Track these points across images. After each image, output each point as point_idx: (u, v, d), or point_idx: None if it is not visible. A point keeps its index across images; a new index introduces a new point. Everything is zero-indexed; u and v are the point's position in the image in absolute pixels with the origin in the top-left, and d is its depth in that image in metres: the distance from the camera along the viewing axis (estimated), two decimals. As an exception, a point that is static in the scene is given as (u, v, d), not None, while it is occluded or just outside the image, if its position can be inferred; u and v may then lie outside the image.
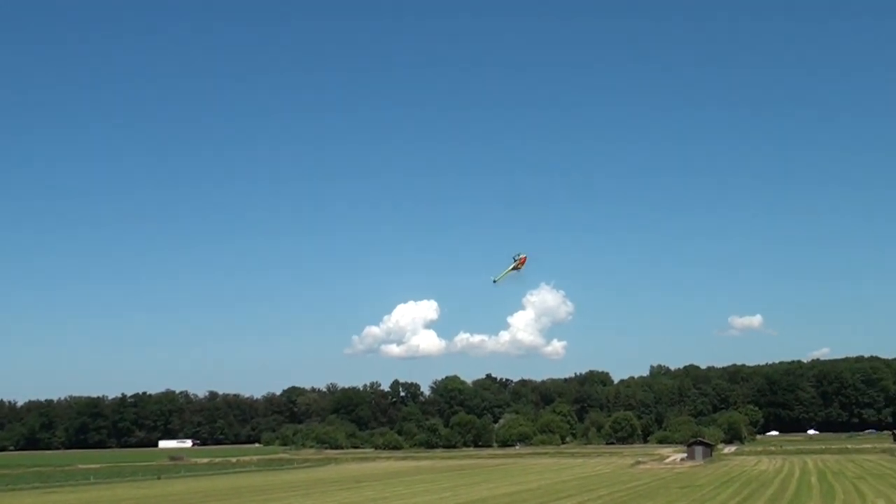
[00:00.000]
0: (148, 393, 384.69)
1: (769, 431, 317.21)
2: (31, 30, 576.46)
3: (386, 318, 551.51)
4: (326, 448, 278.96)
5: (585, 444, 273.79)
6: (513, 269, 62.73)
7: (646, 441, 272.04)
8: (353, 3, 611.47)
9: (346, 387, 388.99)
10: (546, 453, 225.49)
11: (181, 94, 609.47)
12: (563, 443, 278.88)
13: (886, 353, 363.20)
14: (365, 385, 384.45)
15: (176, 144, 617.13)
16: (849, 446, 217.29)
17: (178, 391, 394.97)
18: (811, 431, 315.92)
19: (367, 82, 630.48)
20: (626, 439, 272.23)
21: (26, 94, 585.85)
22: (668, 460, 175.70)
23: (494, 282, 61.54)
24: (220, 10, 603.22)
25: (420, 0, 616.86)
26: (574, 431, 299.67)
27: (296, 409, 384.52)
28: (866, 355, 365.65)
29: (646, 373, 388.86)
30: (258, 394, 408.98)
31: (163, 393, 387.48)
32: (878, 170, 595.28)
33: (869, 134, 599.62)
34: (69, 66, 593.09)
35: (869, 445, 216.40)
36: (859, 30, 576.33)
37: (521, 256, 62.58)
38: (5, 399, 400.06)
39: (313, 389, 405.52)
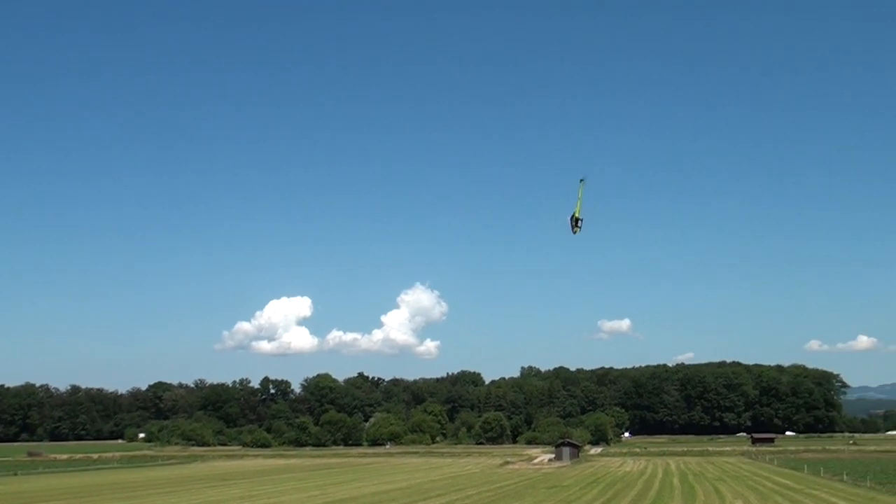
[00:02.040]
0: (5, 386, 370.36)
1: (626, 433, 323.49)
2: None
3: (258, 314, 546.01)
4: (193, 445, 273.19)
5: (455, 443, 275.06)
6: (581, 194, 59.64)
7: (515, 441, 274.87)
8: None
9: (215, 383, 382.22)
10: (416, 453, 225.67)
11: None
12: (434, 442, 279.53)
13: (747, 359, 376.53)
14: (234, 381, 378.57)
15: (42, 138, 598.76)
16: (709, 449, 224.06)
17: (38, 384, 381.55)
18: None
19: (239, 82, 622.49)
20: (495, 439, 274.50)
21: None
22: (536, 461, 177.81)
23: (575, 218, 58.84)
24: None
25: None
26: (445, 431, 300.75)
27: (162, 405, 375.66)
28: (728, 360, 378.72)
29: (517, 374, 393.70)
30: (123, 388, 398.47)
31: (22, 386, 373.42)
32: (739, 180, 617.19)
33: (721, 148, 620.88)
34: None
35: (728, 448, 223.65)
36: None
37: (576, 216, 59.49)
38: None
39: (181, 385, 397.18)
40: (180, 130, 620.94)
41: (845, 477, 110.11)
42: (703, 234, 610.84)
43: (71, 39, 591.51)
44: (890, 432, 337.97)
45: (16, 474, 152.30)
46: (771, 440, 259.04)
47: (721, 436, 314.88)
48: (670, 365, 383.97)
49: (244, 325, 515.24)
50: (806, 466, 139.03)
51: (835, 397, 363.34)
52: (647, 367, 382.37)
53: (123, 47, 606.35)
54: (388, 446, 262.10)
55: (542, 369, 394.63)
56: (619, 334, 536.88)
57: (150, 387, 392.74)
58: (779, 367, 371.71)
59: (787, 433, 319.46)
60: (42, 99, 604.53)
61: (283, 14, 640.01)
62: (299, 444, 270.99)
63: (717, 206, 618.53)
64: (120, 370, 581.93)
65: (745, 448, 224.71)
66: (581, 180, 59.74)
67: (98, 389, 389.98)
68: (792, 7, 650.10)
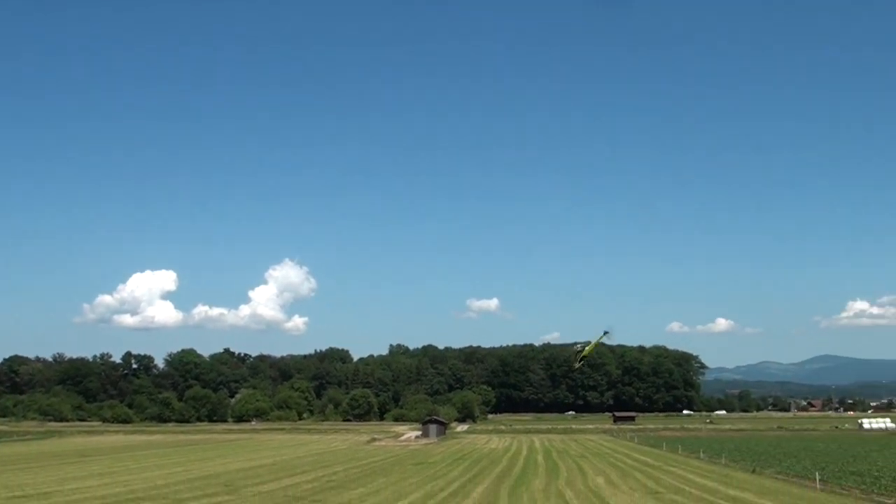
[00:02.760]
0: None
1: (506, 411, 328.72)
2: None
3: (120, 286, 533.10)
4: (50, 420, 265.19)
5: (323, 420, 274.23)
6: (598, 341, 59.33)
7: (382, 419, 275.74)
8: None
9: (75, 357, 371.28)
10: (283, 429, 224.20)
11: None
12: (301, 419, 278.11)
13: (611, 340, 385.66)
14: (95, 356, 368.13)
15: None
16: (573, 426, 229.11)
17: None
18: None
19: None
20: (363, 416, 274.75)
21: None
22: (403, 438, 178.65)
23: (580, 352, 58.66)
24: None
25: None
26: (312, 408, 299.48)
27: (18, 380, 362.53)
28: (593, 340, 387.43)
29: (385, 352, 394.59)
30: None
31: None
32: (620, 164, 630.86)
33: (608, 125, 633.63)
34: None
35: (591, 426, 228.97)
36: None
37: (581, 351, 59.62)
38: None
39: (38, 359, 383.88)
40: (42, 97, 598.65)
41: (702, 454, 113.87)
42: (572, 215, 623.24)
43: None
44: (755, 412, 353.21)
45: None
46: (632, 418, 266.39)
47: (584, 414, 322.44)
48: (537, 344, 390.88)
49: (105, 298, 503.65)
50: (665, 444, 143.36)
51: (693, 378, 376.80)
52: (514, 346, 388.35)
53: None
54: (253, 423, 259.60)
55: (411, 347, 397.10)
56: (487, 313, 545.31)
57: (6, 360, 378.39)
58: (641, 348, 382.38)
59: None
60: None
61: None
62: (162, 420, 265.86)
63: (588, 186, 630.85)
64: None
65: (608, 426, 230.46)
66: (605, 332, 60.49)
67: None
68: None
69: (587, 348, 60.87)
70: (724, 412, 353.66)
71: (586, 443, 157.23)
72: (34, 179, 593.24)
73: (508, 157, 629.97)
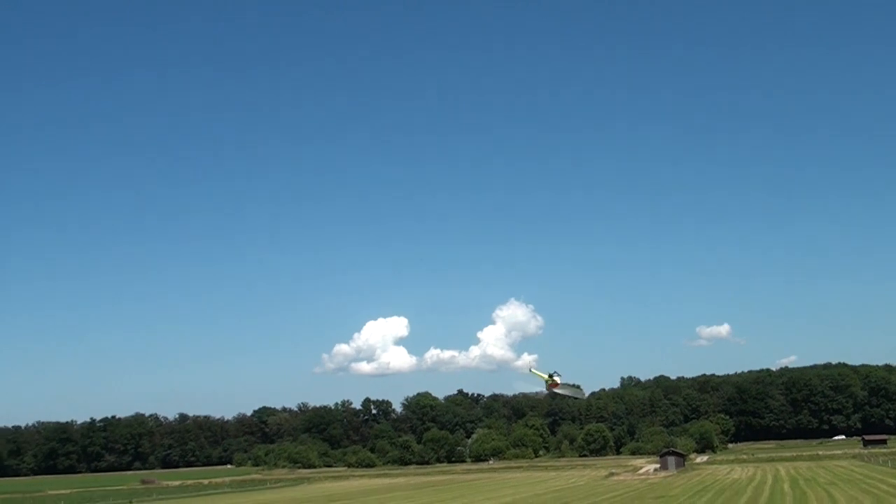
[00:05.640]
0: (117, 417, 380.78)
1: (740, 441, 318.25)
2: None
3: (356, 335, 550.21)
4: (299, 467, 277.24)
5: (559, 456, 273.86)
6: (549, 384, 60.32)
7: (618, 452, 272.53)
8: None
9: (318, 405, 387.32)
10: (520, 467, 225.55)
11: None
12: (537, 456, 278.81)
13: (853, 360, 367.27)
14: (336, 403, 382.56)
15: (145, 170, 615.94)
16: (820, 453, 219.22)
17: (147, 414, 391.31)
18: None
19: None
20: (599, 451, 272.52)
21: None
22: (641, 471, 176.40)
23: (530, 371, 59.94)
24: None
25: None
26: (547, 445, 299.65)
27: (267, 430, 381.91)
28: (834, 362, 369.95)
29: (616, 385, 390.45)
30: (229, 415, 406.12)
31: (132, 416, 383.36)
32: (843, 177, 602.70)
33: (837, 143, 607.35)
34: None
35: (839, 451, 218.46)
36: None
37: (555, 380, 60.41)
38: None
39: (284, 409, 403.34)
40: (297, 150, 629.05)
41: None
42: (802, 232, 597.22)
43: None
44: None
45: (131, 502, 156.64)
46: (884, 441, 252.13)
47: (831, 439, 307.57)
48: (774, 369, 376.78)
49: (343, 347, 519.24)
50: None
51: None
52: (750, 372, 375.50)
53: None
54: (491, 462, 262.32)
55: (642, 379, 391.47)
56: (718, 340, 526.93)
57: (255, 412, 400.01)
58: (888, 367, 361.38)
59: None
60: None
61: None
62: (403, 462, 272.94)
63: (817, 202, 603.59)
64: (225, 397, 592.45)
65: (857, 451, 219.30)
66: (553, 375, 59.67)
67: (205, 417, 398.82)
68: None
69: (545, 377, 58.78)
70: None
71: (835, 469, 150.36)
72: (278, 245, 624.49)
73: (730, 176, 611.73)
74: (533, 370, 57.97)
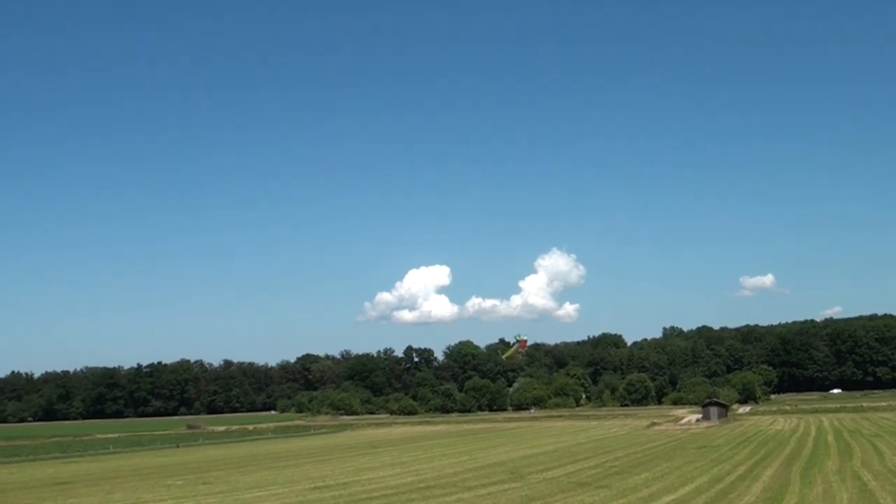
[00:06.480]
0: (163, 363, 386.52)
1: (788, 391, 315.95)
2: None
3: (398, 284, 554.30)
4: (342, 414, 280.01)
5: (600, 406, 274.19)
6: (515, 351, 60.15)
7: (660, 402, 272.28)
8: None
9: (360, 353, 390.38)
10: (561, 416, 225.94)
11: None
12: (578, 405, 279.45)
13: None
14: (378, 351, 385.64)
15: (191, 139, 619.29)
16: (864, 404, 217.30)
17: (192, 360, 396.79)
18: (836, 391, 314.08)
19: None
20: (640, 401, 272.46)
21: None
22: (683, 421, 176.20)
23: (504, 357, 59.85)
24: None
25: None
26: (588, 394, 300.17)
27: (310, 377, 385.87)
28: (879, 313, 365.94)
29: (658, 335, 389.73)
30: (272, 362, 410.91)
31: (178, 362, 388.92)
32: (889, 125, 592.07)
33: (877, 94, 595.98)
34: None
35: (884, 403, 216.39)
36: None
37: (521, 340, 60.04)
38: (22, 371, 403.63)
39: (327, 356, 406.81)
40: (317, 109, 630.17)
41: None
42: (847, 181, 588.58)
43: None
44: None
45: (178, 446, 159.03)
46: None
47: (875, 391, 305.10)
48: (818, 320, 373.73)
49: (385, 296, 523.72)
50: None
51: None
52: (794, 322, 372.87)
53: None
54: (532, 411, 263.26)
55: (685, 329, 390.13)
56: (762, 290, 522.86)
57: (299, 359, 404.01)
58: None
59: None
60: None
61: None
62: (445, 410, 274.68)
63: (861, 150, 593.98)
64: (269, 344, 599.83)
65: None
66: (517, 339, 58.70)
67: (249, 363, 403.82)
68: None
69: (506, 354, 58.11)
70: None
71: (880, 421, 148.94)
72: (320, 194, 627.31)
73: (775, 121, 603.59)
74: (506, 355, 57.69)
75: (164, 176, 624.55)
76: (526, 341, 75.68)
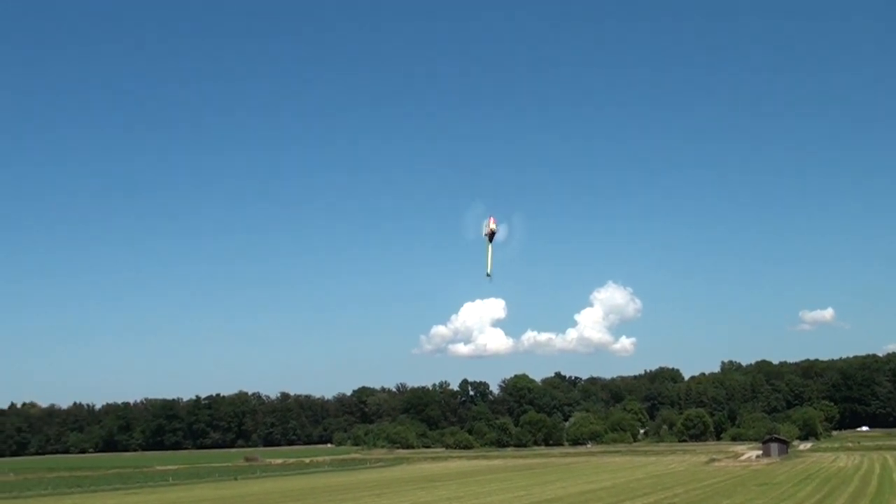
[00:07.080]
0: (221, 395, 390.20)
1: (850, 427, 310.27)
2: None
3: (453, 317, 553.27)
4: (398, 448, 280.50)
5: (657, 441, 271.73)
6: (488, 243, 58.42)
7: (719, 438, 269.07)
8: None
9: (416, 386, 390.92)
10: (618, 451, 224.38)
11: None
12: (635, 441, 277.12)
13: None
14: (434, 384, 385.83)
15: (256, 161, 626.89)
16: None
17: (250, 392, 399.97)
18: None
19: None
20: (698, 437, 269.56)
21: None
22: (743, 458, 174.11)
23: (488, 275, 58.25)
24: None
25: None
26: (645, 429, 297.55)
27: (366, 409, 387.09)
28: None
29: (717, 369, 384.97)
30: (329, 394, 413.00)
31: (236, 395, 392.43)
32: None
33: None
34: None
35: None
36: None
37: (488, 224, 57.49)
38: (84, 402, 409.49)
39: (383, 389, 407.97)
40: (379, 139, 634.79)
41: None
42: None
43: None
44: None
45: (236, 479, 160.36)
46: None
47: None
48: (880, 355, 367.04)
49: (440, 329, 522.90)
50: None
51: None
52: (856, 357, 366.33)
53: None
54: (589, 445, 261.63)
55: (743, 363, 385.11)
56: (822, 324, 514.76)
57: (355, 392, 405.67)
58: None
59: None
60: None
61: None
62: (500, 444, 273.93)
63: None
64: (325, 376, 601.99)
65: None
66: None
67: (306, 396, 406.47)
68: None
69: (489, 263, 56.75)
70: None
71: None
72: (379, 228, 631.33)
73: (833, 156, 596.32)
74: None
75: (227, 213, 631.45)
76: (493, 220, 72.70)
